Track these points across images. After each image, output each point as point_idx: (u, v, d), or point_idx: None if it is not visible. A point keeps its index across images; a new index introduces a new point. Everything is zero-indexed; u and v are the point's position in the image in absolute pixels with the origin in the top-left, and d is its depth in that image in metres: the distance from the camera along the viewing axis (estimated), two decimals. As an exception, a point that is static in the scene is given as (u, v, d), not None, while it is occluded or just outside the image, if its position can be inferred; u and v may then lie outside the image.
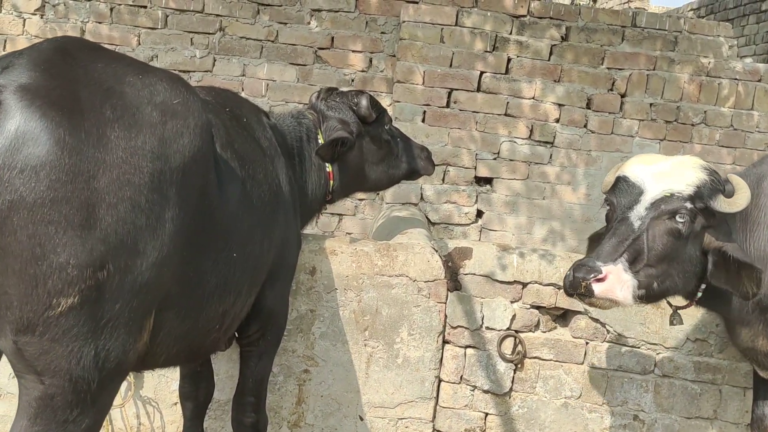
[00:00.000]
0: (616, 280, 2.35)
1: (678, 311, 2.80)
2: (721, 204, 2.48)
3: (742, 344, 2.92)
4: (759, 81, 5.68)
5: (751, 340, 2.85)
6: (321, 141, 3.28)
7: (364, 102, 3.37)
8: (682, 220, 2.43)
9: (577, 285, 2.36)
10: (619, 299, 2.37)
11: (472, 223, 5.63)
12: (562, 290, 3.52)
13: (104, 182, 1.81)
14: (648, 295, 2.46)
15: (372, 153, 3.46)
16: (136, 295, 1.91)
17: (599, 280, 2.34)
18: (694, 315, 3.53)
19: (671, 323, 2.82)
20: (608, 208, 2.61)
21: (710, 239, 2.54)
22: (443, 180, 5.58)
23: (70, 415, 1.86)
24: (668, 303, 2.81)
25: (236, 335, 2.93)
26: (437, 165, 5.42)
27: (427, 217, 5.53)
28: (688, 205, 2.44)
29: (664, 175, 2.49)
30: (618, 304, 2.40)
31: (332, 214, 5.77)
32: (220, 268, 2.32)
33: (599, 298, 2.36)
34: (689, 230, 2.46)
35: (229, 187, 2.33)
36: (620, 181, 2.56)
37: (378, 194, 5.63)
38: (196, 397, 3.19)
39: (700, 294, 2.65)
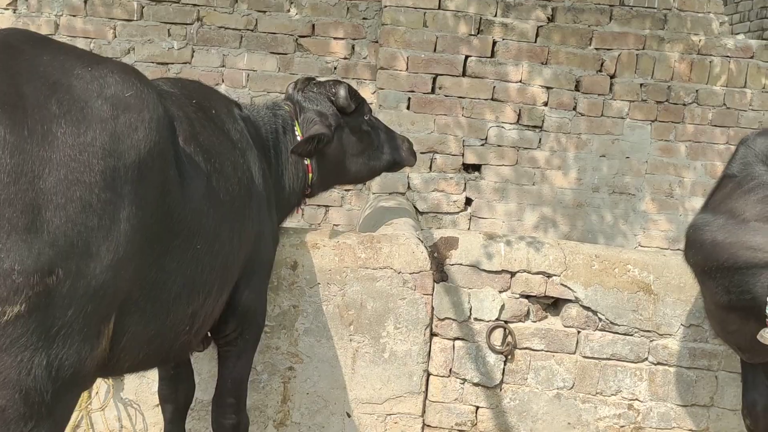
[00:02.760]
0: None
1: None
2: None
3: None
4: (751, 58, 5.55)
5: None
6: (298, 133, 3.17)
7: (342, 92, 3.25)
8: None
9: None
10: None
11: (461, 211, 5.52)
12: (551, 278, 3.45)
13: (51, 182, 1.70)
14: None
15: (352, 145, 3.35)
16: (91, 300, 1.80)
17: None
18: (687, 300, 3.45)
19: None
20: None
21: None
22: (430, 168, 5.46)
23: (24, 428, 1.76)
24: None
25: (212, 336, 2.83)
26: (424, 153, 5.35)
27: (415, 207, 5.42)
28: None
29: None
30: None
31: (318, 205, 5.66)
32: (186, 268, 2.21)
33: None
34: None
35: (193, 183, 2.22)
36: None
37: (365, 184, 5.51)
38: (175, 399, 3.11)
39: None
